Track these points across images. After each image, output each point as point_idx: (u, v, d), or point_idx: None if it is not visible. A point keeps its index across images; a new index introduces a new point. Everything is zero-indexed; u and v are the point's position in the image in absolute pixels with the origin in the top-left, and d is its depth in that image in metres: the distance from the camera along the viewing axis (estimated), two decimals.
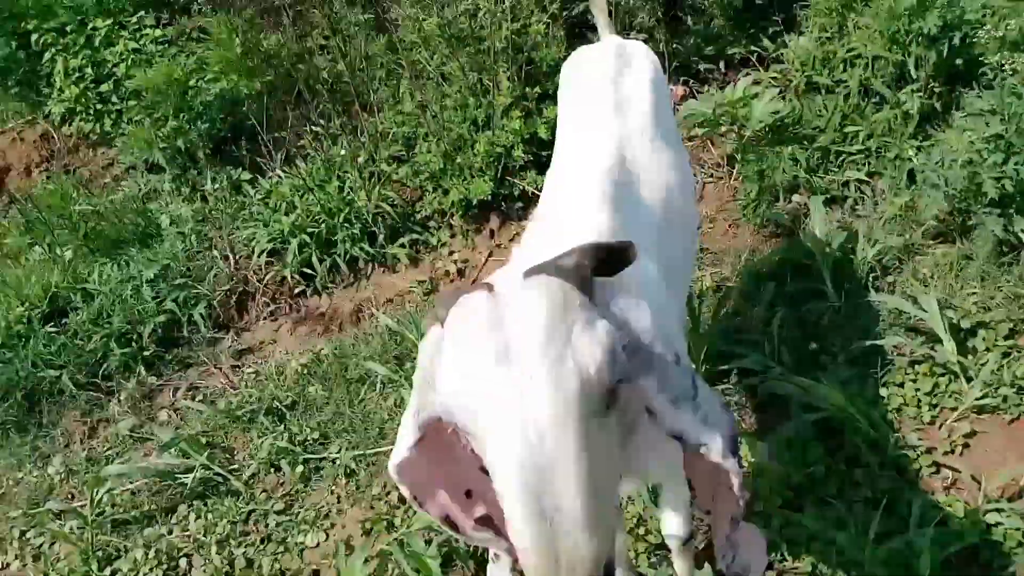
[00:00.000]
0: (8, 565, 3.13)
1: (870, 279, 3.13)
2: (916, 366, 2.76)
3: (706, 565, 2.24)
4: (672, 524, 2.17)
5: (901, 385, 2.73)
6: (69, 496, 3.28)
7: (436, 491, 1.31)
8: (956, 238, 3.15)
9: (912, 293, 2.96)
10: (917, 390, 2.70)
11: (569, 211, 1.69)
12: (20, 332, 3.73)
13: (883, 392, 2.72)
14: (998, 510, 2.35)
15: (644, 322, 1.24)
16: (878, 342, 2.83)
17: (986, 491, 2.40)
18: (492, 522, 1.32)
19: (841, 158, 3.59)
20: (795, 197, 3.59)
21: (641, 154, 1.98)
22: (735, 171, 3.77)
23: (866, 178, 3.48)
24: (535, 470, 1.02)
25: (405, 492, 1.27)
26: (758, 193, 3.54)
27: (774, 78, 3.94)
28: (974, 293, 2.94)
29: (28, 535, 3.20)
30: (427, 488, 1.30)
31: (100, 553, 3.00)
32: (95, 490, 3.02)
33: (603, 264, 1.19)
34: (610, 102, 2.06)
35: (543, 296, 1.11)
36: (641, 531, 2.58)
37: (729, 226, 3.64)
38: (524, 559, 1.04)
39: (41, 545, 3.15)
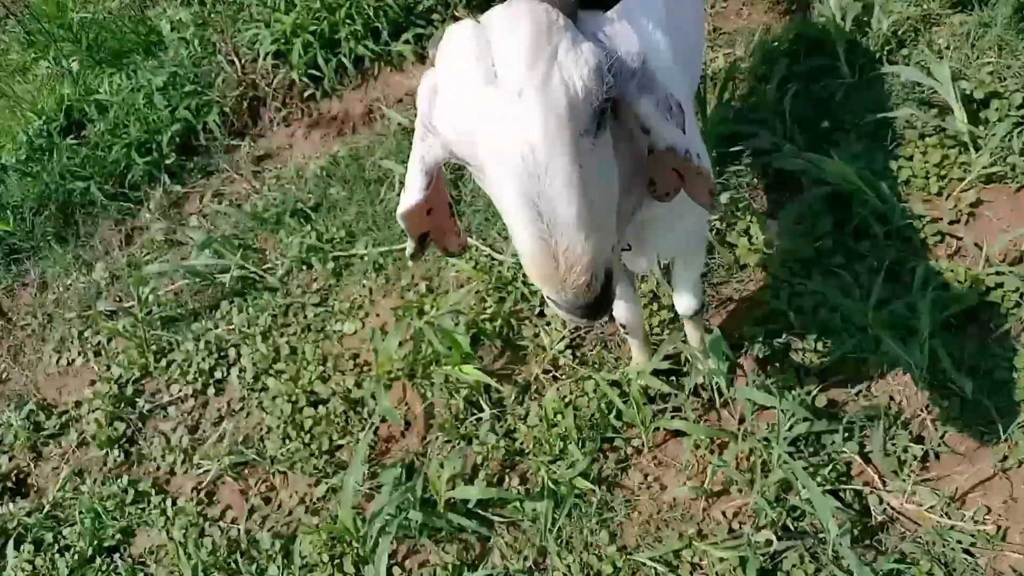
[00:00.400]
0: (73, 361, 3.39)
1: (885, 53, 3.10)
2: (926, 139, 2.79)
3: (715, 329, 2.39)
4: (684, 299, 2.32)
5: (910, 158, 2.78)
6: (117, 298, 3.47)
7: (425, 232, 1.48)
8: (975, 5, 3.08)
9: (926, 64, 2.94)
10: (926, 162, 2.75)
11: None
12: (42, 145, 3.80)
13: (892, 165, 2.77)
14: (998, 273, 2.46)
15: (633, 48, 1.27)
16: (889, 115, 2.85)
17: (987, 256, 2.51)
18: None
19: None
20: None
21: None
22: None
23: None
24: (530, 179, 1.10)
25: (407, 230, 1.43)
26: None
27: None
28: (989, 63, 2.91)
29: (86, 334, 3.43)
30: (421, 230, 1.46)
31: (154, 347, 3.23)
32: (140, 288, 3.20)
33: None
34: None
35: (526, 17, 1.14)
36: (655, 307, 2.74)
37: (743, 5, 3.55)
38: (528, 264, 1.15)
39: (99, 343, 3.38)
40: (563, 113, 1.10)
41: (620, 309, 2.36)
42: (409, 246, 1.49)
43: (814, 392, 2.42)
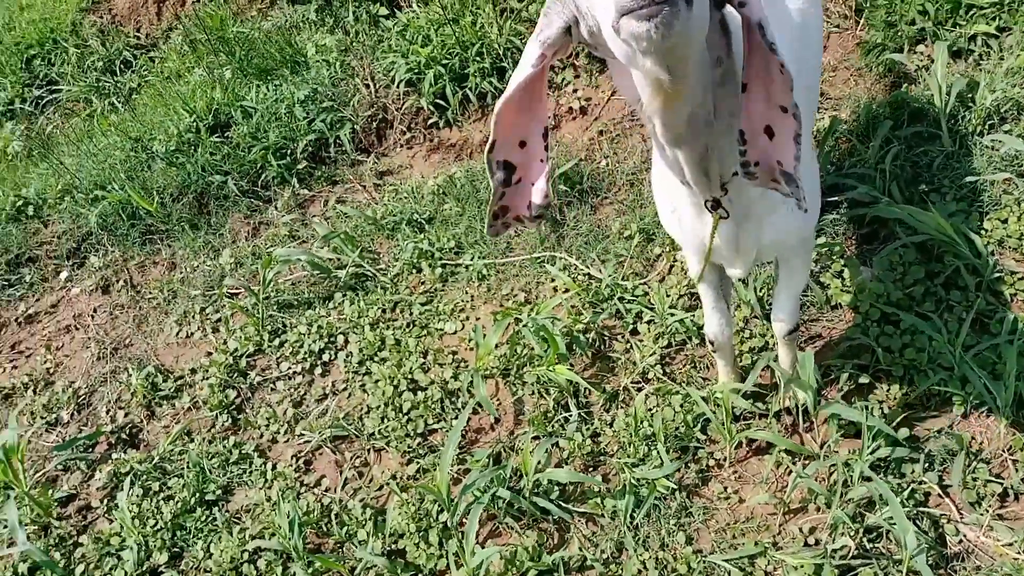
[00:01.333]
0: (192, 334, 3.67)
1: (986, 128, 3.25)
2: (1022, 204, 2.92)
3: (807, 349, 2.53)
4: (780, 317, 2.44)
5: (1005, 221, 2.90)
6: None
7: (508, 137, 1.57)
8: None
9: None
10: (1021, 225, 2.87)
11: None
12: (190, 140, 4.19)
13: (987, 225, 2.90)
14: None
15: None
16: (987, 177, 2.99)
17: None
18: (511, 169, 1.60)
19: (971, 12, 3.62)
20: (920, 48, 3.67)
21: None
22: (861, 22, 3.84)
23: (995, 32, 3.51)
24: None
25: (492, 123, 1.52)
26: (883, 41, 3.63)
27: None
28: None
29: (207, 311, 3.72)
30: (505, 132, 1.55)
31: (269, 327, 3.49)
32: (266, 270, 3.48)
33: None
34: None
35: None
36: (746, 334, 2.89)
37: (851, 75, 3.76)
38: None
39: (218, 320, 3.66)
40: None
41: (712, 324, 2.50)
42: (491, 177, 1.56)
43: (897, 422, 2.52)
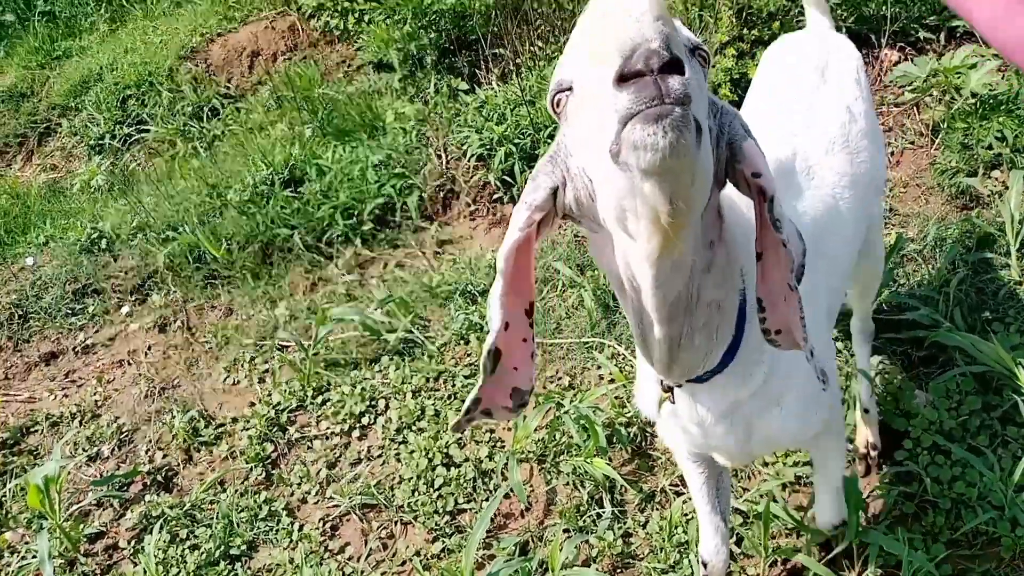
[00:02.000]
0: (238, 382, 3.73)
1: None
2: None
3: (852, 471, 2.45)
4: (823, 511, 2.31)
5: None
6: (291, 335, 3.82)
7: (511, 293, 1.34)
8: None
9: None
10: None
11: None
12: (263, 192, 4.33)
13: None
14: None
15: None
16: None
17: None
18: (497, 356, 1.34)
19: None
20: (995, 173, 3.62)
21: (817, 157, 1.98)
22: (938, 140, 3.81)
23: None
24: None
25: (500, 268, 1.28)
26: (957, 164, 3.60)
27: (996, 55, 3.92)
28: None
29: (256, 361, 3.78)
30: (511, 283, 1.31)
31: (314, 384, 3.53)
32: (319, 327, 3.54)
33: None
34: (807, 102, 2.10)
35: None
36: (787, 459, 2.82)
37: (921, 193, 3.72)
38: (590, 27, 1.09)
39: (265, 371, 3.72)
40: None
41: (708, 540, 2.18)
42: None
43: (939, 558, 2.42)
